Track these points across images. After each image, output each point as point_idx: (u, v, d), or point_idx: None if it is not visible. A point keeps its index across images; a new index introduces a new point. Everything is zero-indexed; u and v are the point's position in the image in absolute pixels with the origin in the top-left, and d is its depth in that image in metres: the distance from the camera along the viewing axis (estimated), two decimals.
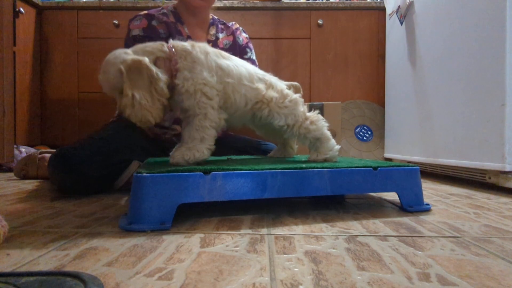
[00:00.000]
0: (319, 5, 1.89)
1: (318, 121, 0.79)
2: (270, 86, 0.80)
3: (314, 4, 1.89)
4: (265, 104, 0.77)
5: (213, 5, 1.20)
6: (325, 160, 0.79)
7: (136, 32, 1.09)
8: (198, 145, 0.68)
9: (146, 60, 0.65)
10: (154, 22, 1.09)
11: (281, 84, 0.83)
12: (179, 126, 1.10)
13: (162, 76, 0.66)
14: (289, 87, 0.86)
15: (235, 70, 0.75)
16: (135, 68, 0.65)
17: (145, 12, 1.12)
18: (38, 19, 1.88)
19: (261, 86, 0.78)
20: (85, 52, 1.89)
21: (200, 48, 0.72)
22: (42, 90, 1.89)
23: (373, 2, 1.89)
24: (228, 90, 0.73)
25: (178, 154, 0.67)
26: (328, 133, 0.80)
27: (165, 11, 1.14)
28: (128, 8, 1.88)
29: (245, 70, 0.77)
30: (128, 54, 0.67)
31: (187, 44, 0.72)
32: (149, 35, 1.07)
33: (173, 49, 0.70)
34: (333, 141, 0.81)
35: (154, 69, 0.66)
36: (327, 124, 0.81)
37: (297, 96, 0.81)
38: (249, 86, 0.76)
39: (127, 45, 1.06)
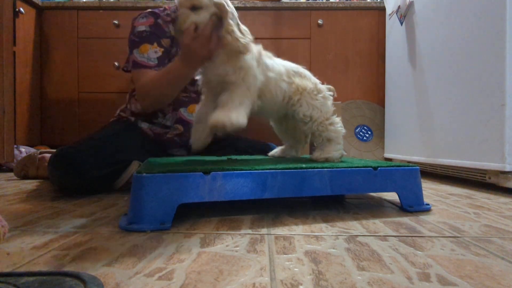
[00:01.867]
0: (319, 5, 1.89)
1: (337, 124, 0.82)
2: (304, 77, 0.84)
3: (314, 4, 1.89)
4: (298, 92, 0.81)
5: None
6: (326, 160, 0.80)
7: (142, 28, 1.07)
8: (239, 108, 0.69)
9: (229, 8, 0.73)
10: (159, 21, 1.09)
11: (315, 79, 0.87)
12: (180, 126, 1.09)
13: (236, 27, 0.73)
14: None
15: (277, 67, 0.80)
16: (220, 8, 0.72)
17: (150, 10, 1.12)
18: (38, 19, 1.88)
19: (297, 79, 0.83)
20: (85, 52, 1.89)
21: (257, 47, 0.79)
22: (42, 90, 1.89)
23: (373, 2, 1.89)
24: (269, 84, 0.78)
25: (223, 116, 0.67)
26: (341, 139, 0.83)
27: (168, 11, 1.14)
28: (128, 8, 1.88)
29: (283, 67, 0.82)
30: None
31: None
32: (156, 32, 1.07)
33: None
34: (340, 146, 0.83)
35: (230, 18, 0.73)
36: (344, 131, 0.83)
37: (329, 94, 0.86)
38: (288, 81, 0.81)
39: (133, 42, 1.06)
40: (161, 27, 1.09)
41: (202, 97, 0.83)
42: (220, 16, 0.72)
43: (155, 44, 1.05)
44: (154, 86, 0.97)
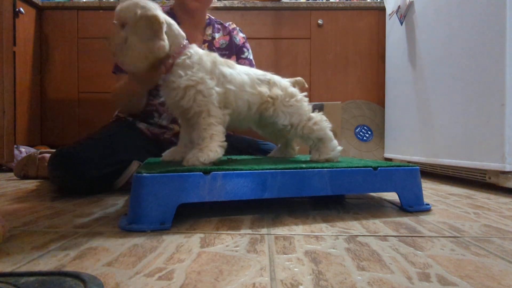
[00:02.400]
0: (319, 5, 1.89)
1: (322, 122, 0.79)
2: (273, 84, 0.80)
3: (314, 4, 1.89)
4: (270, 103, 0.78)
5: (212, 5, 1.20)
6: (327, 161, 0.79)
7: None
8: (210, 144, 0.67)
9: (163, 18, 0.67)
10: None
11: (285, 82, 0.84)
12: (177, 125, 1.09)
13: (166, 41, 0.67)
14: (293, 84, 0.86)
15: (238, 77, 0.75)
16: (148, 20, 0.65)
17: None
18: (38, 19, 1.88)
19: (264, 89, 0.79)
20: (85, 52, 1.89)
21: (211, 56, 0.73)
22: (42, 90, 1.89)
23: (373, 2, 1.89)
24: (229, 96, 0.73)
25: (192, 157, 0.65)
26: (331, 134, 0.80)
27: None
28: None
29: (247, 77, 0.78)
30: (154, 9, 0.68)
31: (203, 51, 0.74)
32: None
33: (188, 46, 0.72)
34: (335, 142, 0.81)
35: (164, 29, 0.67)
36: (330, 125, 0.81)
37: (302, 95, 0.82)
38: (251, 92, 0.77)
39: None
40: None
41: (180, 122, 0.82)
42: (152, 28, 0.66)
43: None
44: (118, 94, 1.03)
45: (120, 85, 1.00)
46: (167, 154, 0.82)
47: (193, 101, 0.68)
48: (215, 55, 0.75)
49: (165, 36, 0.67)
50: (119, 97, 1.05)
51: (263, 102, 0.78)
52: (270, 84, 0.80)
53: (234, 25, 1.29)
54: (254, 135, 1.36)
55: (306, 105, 0.81)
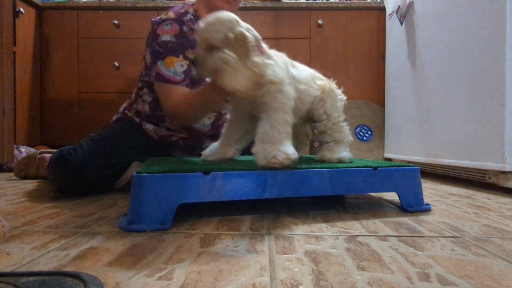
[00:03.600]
0: (319, 5, 1.89)
1: (348, 131, 0.85)
2: (323, 80, 0.86)
3: (314, 4, 1.89)
4: (324, 92, 0.83)
5: None
6: (339, 160, 0.80)
7: (167, 37, 1.00)
8: (284, 140, 0.66)
9: (249, 35, 0.67)
10: (185, 28, 1.02)
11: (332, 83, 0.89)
12: (186, 131, 1.08)
13: (261, 58, 0.68)
14: None
15: (303, 75, 0.80)
16: (240, 40, 0.66)
17: (173, 15, 1.03)
18: (38, 19, 1.88)
19: (319, 82, 0.84)
20: (85, 52, 1.89)
21: (282, 58, 0.76)
22: (42, 90, 1.89)
23: (373, 2, 1.89)
24: (301, 95, 0.76)
25: (264, 155, 0.64)
26: (348, 146, 0.85)
27: (191, 15, 1.06)
28: (128, 8, 1.88)
29: (308, 73, 0.83)
30: (240, 25, 0.69)
31: (275, 53, 0.75)
32: (181, 42, 1.01)
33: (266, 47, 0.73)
34: (349, 148, 0.85)
35: (250, 44, 0.67)
36: (351, 139, 0.86)
37: (344, 98, 0.87)
38: (315, 87, 0.82)
39: (157, 53, 0.99)
40: (187, 36, 1.02)
41: (229, 115, 0.81)
42: (245, 46, 0.67)
43: (181, 57, 1.00)
44: (186, 107, 0.94)
45: (190, 97, 0.93)
46: (209, 154, 0.83)
47: (273, 99, 0.68)
48: (283, 56, 0.77)
49: (257, 54, 0.68)
50: (185, 110, 0.95)
51: (320, 93, 0.83)
52: (322, 79, 0.86)
53: None
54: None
55: (342, 111, 0.86)
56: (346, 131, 0.84)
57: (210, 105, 0.91)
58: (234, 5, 1.08)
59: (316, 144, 1.70)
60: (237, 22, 0.69)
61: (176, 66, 0.99)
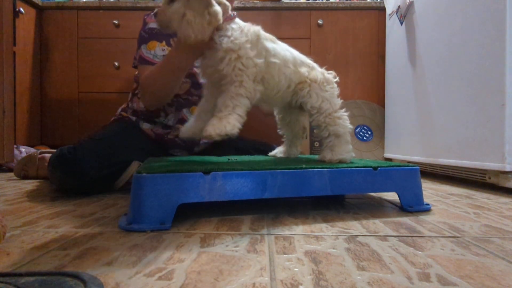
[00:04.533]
0: (319, 5, 1.89)
1: (345, 120, 0.81)
2: (313, 68, 0.83)
3: (314, 4, 1.89)
4: (307, 84, 0.80)
5: None
6: (340, 161, 0.79)
7: (153, 25, 1.06)
8: (229, 115, 0.68)
9: None
10: None
11: (322, 69, 0.86)
12: (182, 126, 1.09)
13: (218, 7, 0.70)
14: None
15: (282, 53, 0.78)
16: None
17: None
18: (38, 19, 1.88)
19: (304, 69, 0.82)
20: (85, 52, 1.89)
21: (255, 28, 0.75)
22: (42, 90, 1.89)
23: (373, 2, 1.89)
24: (272, 71, 0.75)
25: (210, 128, 0.67)
26: (349, 137, 0.82)
27: None
28: (128, 8, 1.88)
29: (290, 54, 0.80)
30: None
31: (247, 24, 0.76)
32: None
33: (235, 15, 0.75)
34: (350, 146, 0.82)
35: None
36: (351, 127, 0.82)
37: (336, 86, 0.84)
38: (293, 70, 0.79)
39: (143, 37, 1.05)
40: None
41: (204, 91, 0.83)
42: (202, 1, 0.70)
43: (164, 43, 1.05)
44: (153, 80, 0.95)
45: (156, 67, 0.95)
46: (183, 131, 0.84)
47: (232, 69, 0.69)
48: (259, 28, 0.76)
49: (216, 4, 0.70)
50: (153, 82, 0.96)
51: (301, 82, 0.80)
52: (309, 67, 0.83)
53: None
54: (254, 135, 1.35)
55: (338, 97, 0.83)
56: (341, 122, 0.80)
57: (177, 69, 0.89)
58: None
59: (316, 144, 1.70)
60: None
61: (157, 49, 1.04)
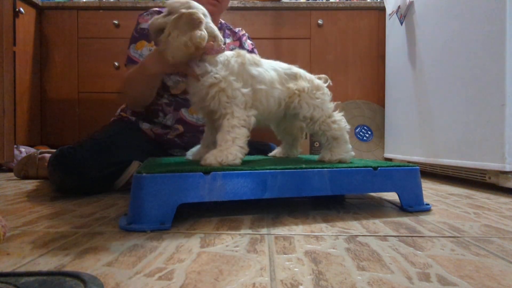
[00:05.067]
0: (319, 5, 1.89)
1: (341, 122, 0.81)
2: (299, 78, 0.82)
3: (314, 4, 1.89)
4: (296, 95, 0.79)
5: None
6: (339, 161, 0.79)
7: (145, 25, 1.07)
8: (231, 147, 0.68)
9: (203, 13, 0.71)
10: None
11: (310, 75, 0.85)
12: (181, 125, 1.09)
13: (205, 32, 0.69)
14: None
15: (267, 75, 0.76)
16: (189, 16, 0.68)
17: (157, 9, 1.11)
18: (38, 19, 1.88)
19: (291, 85, 0.80)
20: (85, 52, 1.89)
21: (240, 57, 0.74)
22: (42, 90, 1.89)
23: (373, 2, 1.89)
24: (260, 97, 0.75)
25: (210, 156, 0.67)
26: (347, 136, 0.81)
27: None
28: (128, 8, 1.88)
29: (275, 73, 0.79)
30: (194, 7, 0.72)
31: (231, 53, 0.75)
32: None
33: (224, 48, 0.74)
34: (349, 146, 0.82)
35: (203, 25, 0.70)
36: (348, 127, 0.82)
37: (327, 90, 0.83)
38: (281, 89, 0.78)
39: (133, 37, 1.06)
40: None
41: (205, 122, 0.83)
42: (192, 24, 0.69)
43: (153, 43, 1.05)
44: (129, 84, 0.97)
45: (131, 71, 0.96)
46: (190, 154, 0.85)
47: (219, 103, 0.69)
48: (244, 55, 0.75)
49: (204, 29, 0.69)
50: (128, 85, 0.99)
51: (290, 96, 0.79)
52: (296, 78, 0.82)
53: (244, 31, 1.29)
54: (254, 135, 1.35)
55: (330, 102, 0.82)
56: (336, 126, 0.80)
57: (148, 77, 0.91)
58: (219, 7, 1.10)
59: (316, 144, 1.70)
60: (194, 7, 0.72)
61: (144, 49, 1.05)
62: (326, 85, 0.85)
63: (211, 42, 0.72)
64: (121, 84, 1.02)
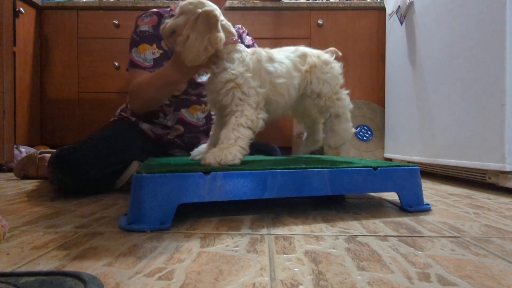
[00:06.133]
0: (319, 5, 1.89)
1: (345, 99, 0.82)
2: (308, 56, 0.81)
3: (314, 4, 1.89)
4: (308, 72, 0.79)
5: None
6: (344, 144, 0.80)
7: (145, 28, 1.06)
8: (231, 146, 0.67)
9: (218, 11, 0.70)
10: (163, 21, 1.07)
11: (317, 51, 0.85)
12: (181, 126, 1.09)
13: (222, 33, 0.69)
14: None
15: (284, 68, 0.76)
16: (206, 16, 0.68)
17: (155, 10, 1.11)
18: (38, 19, 1.88)
19: (305, 66, 0.80)
20: (85, 52, 1.89)
21: (256, 55, 0.74)
22: (42, 90, 1.89)
23: (373, 2, 1.89)
24: (281, 90, 0.75)
25: (210, 155, 0.66)
26: (349, 115, 0.82)
27: (173, 12, 1.11)
28: (128, 8, 1.88)
29: (290, 61, 0.78)
30: (211, 6, 0.71)
31: (248, 50, 0.75)
32: (157, 33, 1.05)
33: (238, 43, 0.74)
34: (350, 124, 0.82)
35: (220, 23, 0.69)
36: (351, 106, 0.82)
37: (336, 62, 0.83)
38: (298, 75, 0.78)
39: (134, 40, 1.06)
40: None
41: (214, 118, 0.83)
42: (209, 22, 0.69)
43: (154, 46, 1.05)
44: (144, 88, 0.96)
45: (148, 78, 0.95)
46: (195, 153, 0.84)
47: (232, 99, 0.69)
48: (259, 52, 0.75)
49: (221, 29, 0.69)
50: (142, 92, 0.98)
51: (304, 77, 0.79)
52: (305, 57, 0.81)
53: (244, 29, 1.30)
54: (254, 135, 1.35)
55: (339, 77, 0.82)
56: (340, 103, 0.80)
57: (167, 85, 0.91)
58: (217, 3, 1.10)
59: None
60: (207, 5, 0.71)
61: (147, 52, 1.05)
62: (333, 57, 0.85)
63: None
64: (131, 89, 1.00)
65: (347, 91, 0.83)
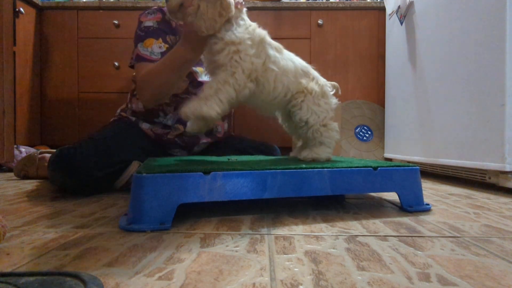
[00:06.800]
0: (319, 5, 1.89)
1: (333, 131, 0.81)
2: (312, 79, 0.82)
3: (314, 4, 1.89)
4: (303, 94, 0.80)
5: None
6: (313, 160, 0.80)
7: (149, 23, 1.06)
8: (210, 98, 0.68)
9: None
10: (167, 17, 1.08)
11: (324, 81, 0.85)
12: (181, 125, 1.09)
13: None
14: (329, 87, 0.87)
15: (283, 62, 0.77)
16: None
17: (158, 7, 1.11)
18: (38, 19, 1.88)
19: (304, 81, 0.81)
20: (85, 52, 1.89)
21: (262, 32, 0.75)
22: (42, 90, 1.89)
23: (373, 2, 1.89)
24: (269, 76, 0.75)
25: (186, 107, 0.67)
26: (333, 144, 0.82)
27: None
28: (128, 8, 1.88)
29: (293, 64, 0.80)
30: None
31: (253, 24, 0.76)
32: (162, 28, 1.06)
33: (243, 11, 0.75)
34: (330, 150, 0.82)
35: None
36: (338, 137, 0.82)
37: (335, 101, 0.84)
38: (292, 80, 0.79)
39: (139, 36, 1.05)
40: (168, 24, 1.08)
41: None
42: None
43: (160, 40, 1.04)
44: (155, 74, 0.93)
45: (159, 63, 0.93)
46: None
47: (229, 60, 0.70)
48: (265, 33, 0.76)
49: None
50: (154, 78, 0.94)
51: (298, 92, 0.80)
52: (309, 78, 0.82)
53: None
54: (255, 135, 1.35)
55: (331, 112, 0.82)
56: (329, 133, 0.80)
57: (180, 63, 0.88)
58: None
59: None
60: None
61: (154, 46, 1.04)
62: (332, 92, 0.85)
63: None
64: (140, 79, 0.97)
65: (336, 123, 0.83)
